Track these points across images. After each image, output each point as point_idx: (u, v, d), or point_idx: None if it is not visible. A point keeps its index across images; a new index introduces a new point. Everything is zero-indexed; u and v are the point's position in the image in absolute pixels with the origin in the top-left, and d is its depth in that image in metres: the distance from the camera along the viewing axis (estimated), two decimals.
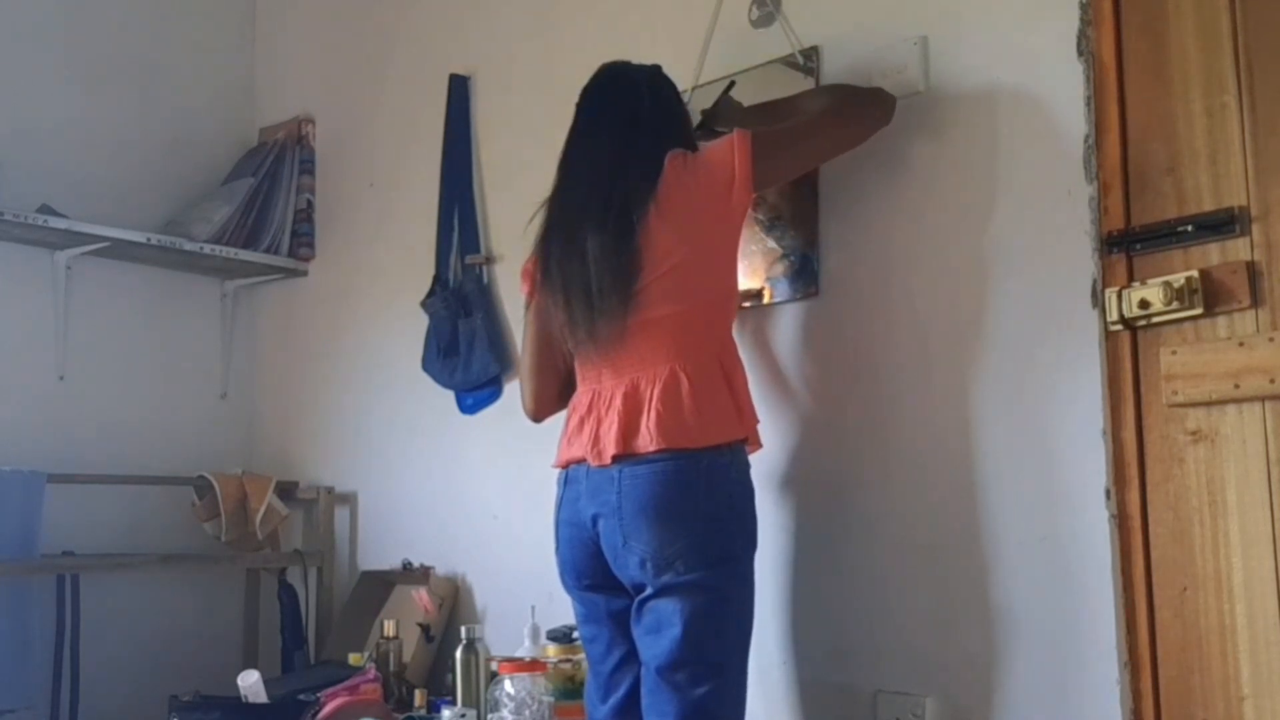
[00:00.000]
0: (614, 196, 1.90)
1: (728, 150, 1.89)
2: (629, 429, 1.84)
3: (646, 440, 1.82)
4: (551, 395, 2.10)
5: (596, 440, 1.88)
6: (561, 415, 2.06)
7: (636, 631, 1.87)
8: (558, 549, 1.98)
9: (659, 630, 1.82)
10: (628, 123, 1.97)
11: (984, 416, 1.96)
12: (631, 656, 1.91)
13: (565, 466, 1.96)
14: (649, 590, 1.83)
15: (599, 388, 1.93)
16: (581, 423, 1.93)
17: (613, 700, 1.94)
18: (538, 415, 2.13)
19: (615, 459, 1.84)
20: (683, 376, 1.84)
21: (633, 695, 1.91)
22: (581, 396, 1.96)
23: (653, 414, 1.83)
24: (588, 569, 1.92)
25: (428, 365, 2.90)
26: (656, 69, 2.07)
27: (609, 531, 1.85)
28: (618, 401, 1.87)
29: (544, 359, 2.07)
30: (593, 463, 1.88)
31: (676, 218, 1.88)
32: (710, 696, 1.81)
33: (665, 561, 1.80)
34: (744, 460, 1.90)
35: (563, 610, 2.28)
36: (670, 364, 1.86)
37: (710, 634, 1.81)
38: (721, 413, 1.85)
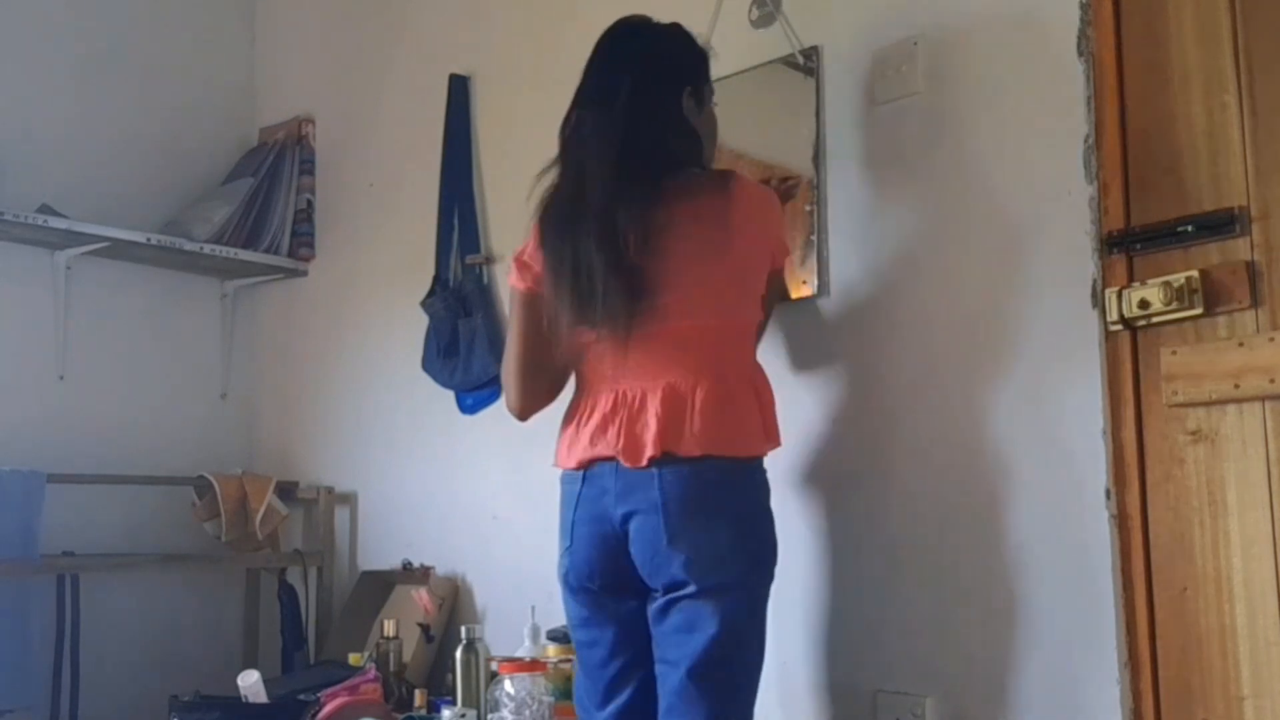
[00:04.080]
0: (636, 194, 1.85)
1: (774, 250, 1.97)
2: (670, 432, 1.82)
3: (690, 444, 1.81)
4: (542, 393, 2.03)
5: (632, 440, 1.84)
6: (556, 413, 2.03)
7: (662, 630, 1.84)
8: (569, 548, 1.92)
9: (692, 630, 1.80)
10: (657, 100, 1.92)
11: (984, 417, 1.96)
12: (635, 663, 1.89)
13: (583, 466, 1.91)
14: (690, 589, 1.80)
15: (621, 387, 1.88)
16: (605, 422, 1.88)
17: (613, 707, 1.90)
18: (526, 414, 2.05)
19: (653, 460, 1.82)
20: (724, 387, 1.85)
21: (635, 702, 1.88)
22: (597, 396, 1.91)
23: (697, 420, 1.82)
24: (604, 569, 1.88)
25: (428, 365, 2.90)
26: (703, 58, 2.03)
27: (648, 529, 1.82)
28: (654, 404, 1.84)
29: (537, 356, 1.99)
30: (625, 462, 1.84)
31: (709, 233, 1.87)
32: (739, 697, 1.83)
33: (711, 561, 1.80)
34: (765, 475, 1.91)
35: (563, 610, 2.28)
36: (712, 373, 1.85)
37: (741, 635, 1.83)
38: (754, 427, 1.88)
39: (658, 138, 1.90)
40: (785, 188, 2.18)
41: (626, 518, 1.84)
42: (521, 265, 1.98)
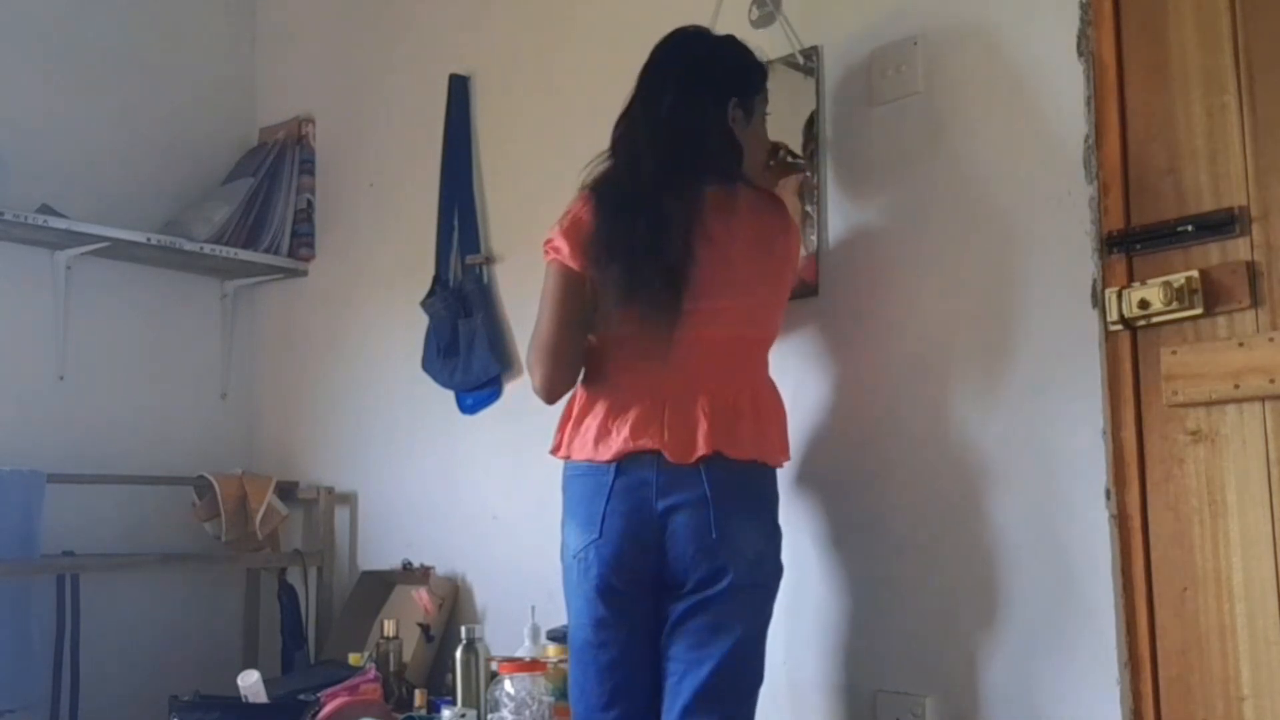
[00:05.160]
0: (681, 193, 1.89)
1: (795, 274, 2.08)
2: (720, 433, 1.85)
3: (739, 447, 1.86)
4: (572, 377, 1.99)
5: (681, 436, 1.85)
6: (557, 411, 2.03)
7: (686, 630, 1.85)
8: (597, 541, 1.88)
9: (717, 632, 1.83)
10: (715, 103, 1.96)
11: (984, 416, 1.96)
12: (645, 667, 1.88)
13: (619, 458, 1.88)
14: (727, 581, 1.82)
15: (661, 384, 1.88)
16: (647, 416, 1.87)
17: (618, 711, 1.89)
18: (556, 396, 2.00)
19: (702, 459, 1.84)
20: (761, 397, 1.94)
21: (643, 704, 1.88)
22: (626, 390, 1.90)
23: (746, 425, 1.88)
24: (633, 563, 1.86)
25: (428, 365, 2.90)
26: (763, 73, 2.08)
27: (695, 522, 1.83)
28: (701, 404, 1.86)
29: (576, 341, 1.96)
30: (671, 457, 1.84)
31: (772, 253, 1.96)
32: (751, 699, 1.88)
33: (755, 557, 1.86)
34: None
35: (563, 610, 2.28)
36: (752, 382, 1.94)
37: (758, 640, 1.88)
38: (780, 439, 1.97)
39: (699, 142, 1.93)
40: (795, 161, 2.21)
41: (669, 511, 1.85)
42: (572, 242, 1.92)
